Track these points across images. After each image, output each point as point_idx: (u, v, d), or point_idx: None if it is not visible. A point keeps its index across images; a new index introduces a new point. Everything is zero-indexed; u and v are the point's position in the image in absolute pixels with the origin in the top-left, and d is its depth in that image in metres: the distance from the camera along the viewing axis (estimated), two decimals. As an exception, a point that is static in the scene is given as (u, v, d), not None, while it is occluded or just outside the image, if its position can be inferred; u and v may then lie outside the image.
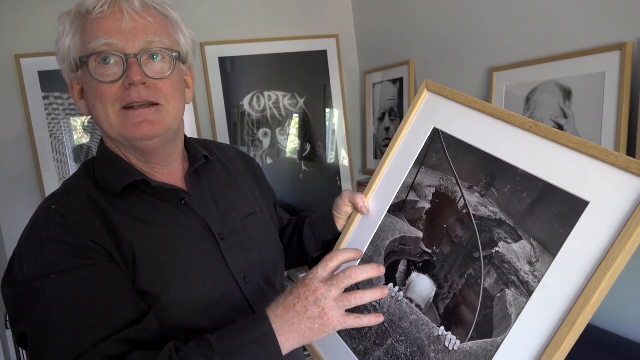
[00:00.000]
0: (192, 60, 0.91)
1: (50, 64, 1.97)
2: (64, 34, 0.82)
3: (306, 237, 1.09)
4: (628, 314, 1.35)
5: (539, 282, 0.66)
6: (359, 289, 0.78)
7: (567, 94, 1.40)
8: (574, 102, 1.38)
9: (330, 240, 1.05)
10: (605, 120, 1.30)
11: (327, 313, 0.73)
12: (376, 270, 0.76)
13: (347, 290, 0.75)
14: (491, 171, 0.77)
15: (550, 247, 0.66)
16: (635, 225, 0.58)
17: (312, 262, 1.13)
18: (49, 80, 2.01)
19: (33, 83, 2.00)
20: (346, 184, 2.53)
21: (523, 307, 0.67)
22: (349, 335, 0.91)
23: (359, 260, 0.90)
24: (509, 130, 0.76)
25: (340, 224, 1.03)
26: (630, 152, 1.27)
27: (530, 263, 0.68)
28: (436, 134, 0.89)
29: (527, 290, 0.67)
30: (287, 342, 0.73)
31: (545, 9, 1.46)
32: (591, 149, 0.64)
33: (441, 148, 0.87)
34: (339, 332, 0.92)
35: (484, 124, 0.81)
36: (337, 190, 2.50)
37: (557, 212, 0.67)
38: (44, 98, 2.02)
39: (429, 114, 0.92)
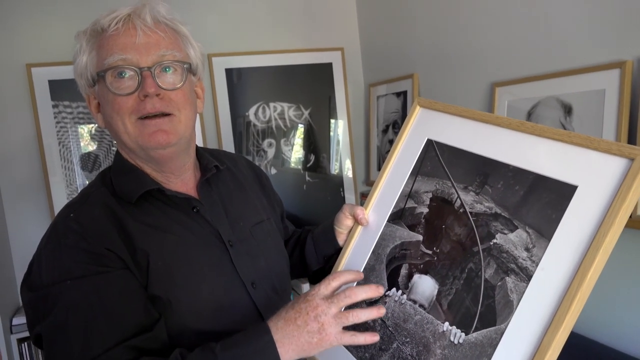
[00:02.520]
0: (201, 72, 0.97)
1: (60, 73, 2.06)
2: (80, 52, 0.88)
3: (308, 251, 1.11)
4: (625, 328, 1.37)
5: (537, 266, 0.69)
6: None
7: (567, 109, 1.44)
8: (575, 118, 1.42)
9: (331, 254, 1.07)
10: (604, 137, 1.32)
11: (326, 329, 0.77)
12: (375, 291, 0.83)
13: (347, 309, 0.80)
14: (484, 171, 0.82)
15: (545, 232, 0.70)
16: (622, 201, 0.62)
17: (312, 275, 1.15)
18: (59, 89, 2.08)
19: (43, 92, 2.08)
20: (349, 195, 2.56)
21: (524, 292, 0.70)
22: (355, 345, 0.92)
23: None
24: (498, 131, 0.82)
25: (341, 239, 1.05)
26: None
27: (527, 249, 0.72)
28: (430, 145, 0.94)
29: (527, 275, 0.70)
30: (287, 354, 0.77)
31: (546, 26, 1.53)
32: (575, 138, 0.69)
33: (435, 156, 0.92)
34: (345, 343, 0.93)
35: (474, 129, 0.86)
36: (341, 201, 2.53)
37: (548, 199, 0.71)
38: (54, 106, 2.09)
39: (422, 128, 0.98)
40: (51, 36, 2.11)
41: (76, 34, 0.89)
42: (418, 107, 1.00)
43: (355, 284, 0.91)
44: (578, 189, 0.68)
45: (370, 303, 0.90)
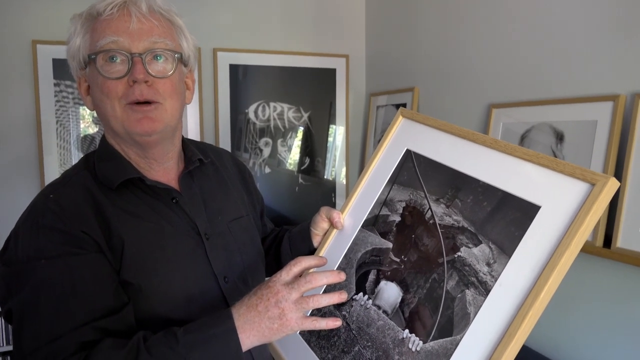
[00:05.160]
0: (193, 64, 0.99)
1: (65, 52, 2.08)
2: (75, 34, 0.90)
3: (283, 250, 1.13)
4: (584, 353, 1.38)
5: (495, 281, 0.71)
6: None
7: (559, 137, 1.47)
8: (566, 146, 1.45)
9: (305, 255, 1.08)
10: (592, 167, 1.33)
11: (286, 314, 0.78)
12: (336, 276, 0.83)
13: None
14: (456, 184, 0.84)
15: (507, 248, 0.72)
16: (579, 224, 0.64)
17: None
18: (62, 68, 2.07)
19: (46, 69, 2.08)
20: (340, 201, 2.57)
21: (481, 305, 0.71)
22: (319, 346, 0.93)
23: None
24: (473, 147, 0.84)
25: (316, 240, 1.07)
26: (614, 200, 1.28)
27: (488, 264, 0.73)
28: (408, 155, 0.96)
29: (485, 289, 0.72)
30: (248, 340, 0.79)
31: (546, 53, 1.56)
32: (542, 159, 0.71)
33: (412, 167, 0.94)
34: (309, 343, 0.94)
35: (451, 143, 0.88)
36: (331, 206, 2.53)
37: (513, 217, 0.73)
38: (55, 85, 2.09)
39: (402, 138, 1.00)
40: (60, 14, 2.10)
41: (72, 16, 0.91)
42: (401, 117, 1.02)
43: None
44: (541, 209, 0.70)
45: (337, 307, 0.92)
